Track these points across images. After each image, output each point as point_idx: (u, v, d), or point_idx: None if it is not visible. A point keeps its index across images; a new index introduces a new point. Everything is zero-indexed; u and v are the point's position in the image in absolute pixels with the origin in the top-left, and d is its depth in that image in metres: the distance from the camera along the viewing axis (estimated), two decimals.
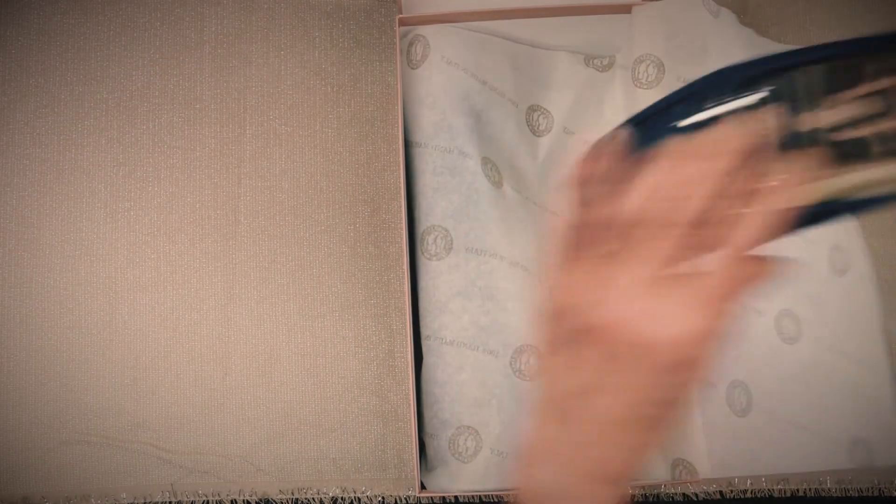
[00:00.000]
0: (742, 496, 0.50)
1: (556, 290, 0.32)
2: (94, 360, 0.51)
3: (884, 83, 0.28)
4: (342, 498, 0.50)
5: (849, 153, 0.28)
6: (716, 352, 0.31)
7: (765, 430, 0.46)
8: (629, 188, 0.29)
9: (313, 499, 0.50)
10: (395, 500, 0.50)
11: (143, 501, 0.50)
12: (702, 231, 0.28)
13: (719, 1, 0.49)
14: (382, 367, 0.51)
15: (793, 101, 0.28)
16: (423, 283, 0.46)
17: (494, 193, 0.47)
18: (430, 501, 0.50)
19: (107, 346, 0.51)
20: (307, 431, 0.51)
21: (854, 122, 0.28)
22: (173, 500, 0.50)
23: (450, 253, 0.45)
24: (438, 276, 0.46)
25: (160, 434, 0.51)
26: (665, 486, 0.49)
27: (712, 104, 0.30)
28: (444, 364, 0.45)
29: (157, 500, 0.50)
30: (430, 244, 0.46)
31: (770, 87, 0.29)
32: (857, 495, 0.50)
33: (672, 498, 0.50)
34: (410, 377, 0.44)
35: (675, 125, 0.30)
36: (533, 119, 0.51)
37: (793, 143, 0.28)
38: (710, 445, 0.43)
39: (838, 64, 0.28)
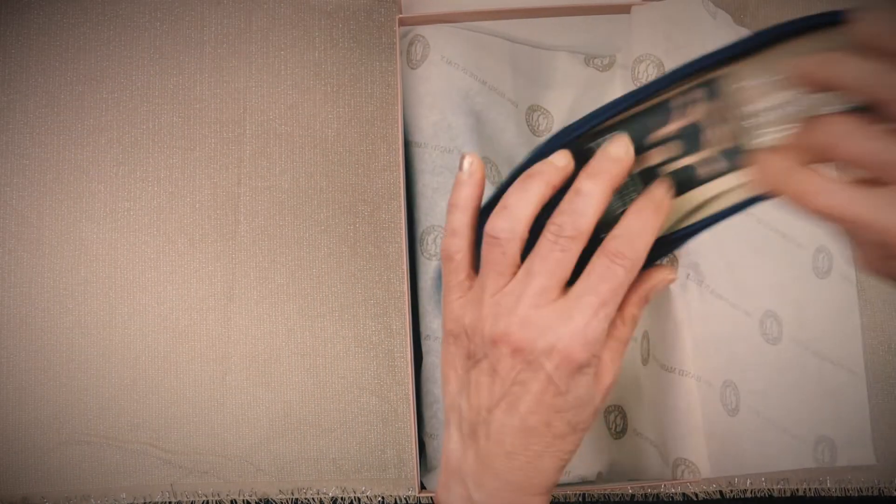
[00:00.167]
0: (742, 496, 0.50)
1: (458, 308, 0.33)
2: (94, 360, 0.51)
3: (691, 116, 0.32)
4: (342, 498, 0.50)
5: (681, 181, 0.32)
6: (614, 356, 0.33)
7: (751, 430, 0.46)
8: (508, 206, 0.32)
9: (313, 499, 0.50)
10: (395, 500, 0.50)
11: (142, 501, 0.50)
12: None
13: (718, 2, 0.49)
14: (382, 367, 0.51)
15: (637, 139, 0.32)
16: (423, 283, 0.46)
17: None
18: (430, 501, 0.50)
19: (107, 346, 0.51)
20: (307, 431, 0.51)
21: (676, 156, 0.32)
22: (173, 500, 0.50)
23: None
24: (438, 276, 0.46)
25: (160, 434, 0.51)
26: (665, 485, 0.49)
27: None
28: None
29: (156, 500, 0.50)
30: (430, 244, 0.46)
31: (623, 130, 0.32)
32: (857, 495, 0.50)
33: (672, 498, 0.50)
34: (410, 377, 0.44)
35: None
36: (533, 119, 0.51)
37: (644, 177, 0.32)
38: (708, 445, 0.43)
39: (651, 105, 0.32)
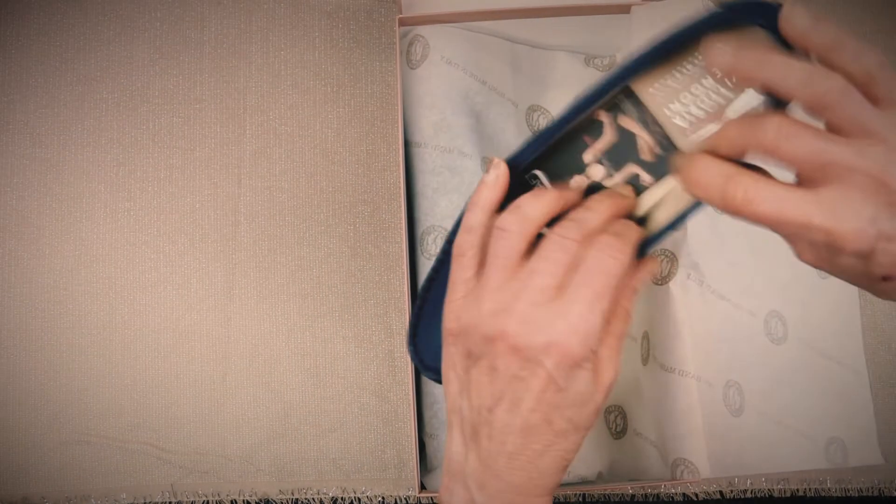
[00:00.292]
0: (742, 496, 0.50)
1: (459, 306, 0.33)
2: (94, 360, 0.51)
3: (622, 125, 0.33)
4: (342, 498, 0.50)
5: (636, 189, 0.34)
6: (612, 352, 0.32)
7: (756, 430, 0.46)
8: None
9: (313, 499, 0.50)
10: (395, 500, 0.50)
11: (143, 501, 0.50)
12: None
13: (718, 2, 0.49)
14: (382, 367, 0.51)
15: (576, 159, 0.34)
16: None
17: None
18: (430, 501, 0.50)
19: (107, 346, 0.51)
20: (307, 432, 0.51)
21: (614, 170, 0.34)
22: (173, 500, 0.50)
23: None
24: None
25: (160, 434, 0.51)
26: (665, 485, 0.49)
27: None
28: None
29: (156, 500, 0.50)
30: (429, 244, 0.46)
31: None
32: (857, 495, 0.50)
33: (672, 498, 0.50)
34: (410, 377, 0.44)
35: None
36: (533, 119, 0.51)
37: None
38: (708, 445, 0.43)
39: (582, 122, 0.34)
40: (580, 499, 0.51)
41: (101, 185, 0.53)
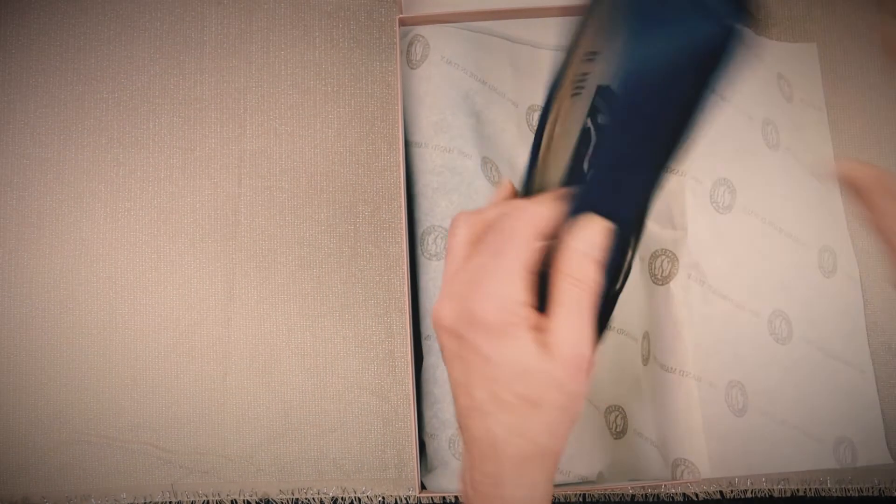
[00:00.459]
0: (742, 496, 0.50)
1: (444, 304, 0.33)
2: (94, 360, 0.51)
3: None
4: (342, 498, 0.50)
5: None
6: (565, 322, 0.31)
7: (760, 430, 0.46)
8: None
9: (313, 499, 0.50)
10: (396, 500, 0.50)
11: (143, 501, 0.50)
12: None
13: None
14: (382, 367, 0.51)
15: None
16: (424, 283, 0.46)
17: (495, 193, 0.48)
18: (431, 501, 0.50)
19: (107, 346, 0.51)
20: (307, 431, 0.51)
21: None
22: (173, 500, 0.50)
23: None
24: (438, 276, 0.46)
25: (160, 434, 0.51)
26: (665, 485, 0.49)
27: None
28: (443, 364, 0.45)
29: (157, 500, 0.50)
30: (430, 244, 0.46)
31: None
32: (857, 495, 0.50)
33: (672, 498, 0.50)
34: (410, 377, 0.44)
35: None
36: (533, 119, 0.51)
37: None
38: (710, 445, 0.43)
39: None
40: (580, 499, 0.51)
41: (101, 185, 0.53)
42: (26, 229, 0.52)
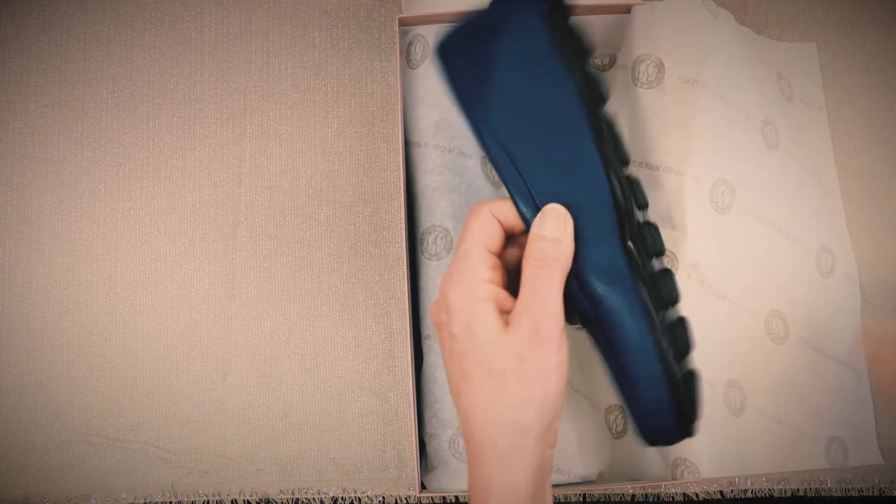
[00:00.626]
0: (742, 496, 0.50)
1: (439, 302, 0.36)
2: (94, 360, 0.51)
3: None
4: (342, 498, 0.50)
5: None
6: (521, 303, 0.34)
7: (757, 430, 0.46)
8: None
9: (314, 499, 0.50)
10: (396, 500, 0.50)
11: (143, 501, 0.50)
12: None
13: (719, 2, 0.49)
14: (382, 367, 0.51)
15: None
16: (424, 282, 0.46)
17: (494, 193, 0.48)
18: (431, 501, 0.50)
19: (107, 346, 0.51)
20: (307, 431, 0.51)
21: None
22: (173, 500, 0.50)
23: (450, 253, 0.46)
24: (438, 276, 0.46)
25: (160, 434, 0.51)
26: (665, 486, 0.49)
27: None
28: (444, 364, 0.45)
29: (157, 500, 0.50)
30: (430, 244, 0.46)
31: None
32: (857, 495, 0.50)
33: (672, 498, 0.50)
34: (411, 377, 0.44)
35: None
36: None
37: None
38: (709, 445, 0.43)
39: None
40: (580, 499, 0.51)
41: (101, 185, 0.53)
42: (26, 229, 0.52)
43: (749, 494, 0.50)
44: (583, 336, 0.39)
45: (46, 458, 0.50)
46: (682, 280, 0.43)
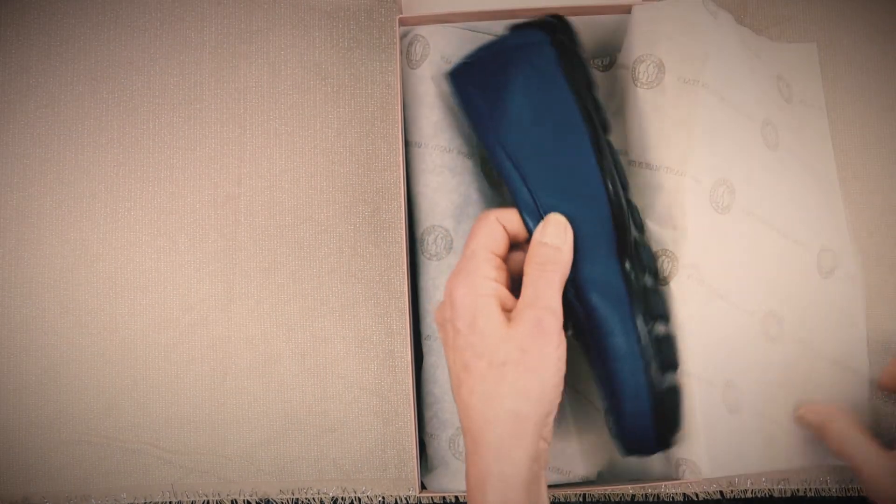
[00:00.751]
0: (742, 496, 0.50)
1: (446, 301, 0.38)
2: (94, 360, 0.51)
3: None
4: (342, 498, 0.50)
5: None
6: (521, 303, 0.37)
7: (753, 429, 0.46)
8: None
9: (313, 499, 0.50)
10: (396, 499, 0.50)
11: (143, 501, 0.50)
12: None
13: (719, 2, 0.49)
14: (382, 367, 0.51)
15: None
16: (423, 283, 0.46)
17: (493, 193, 0.48)
18: (431, 501, 0.50)
19: (107, 346, 0.51)
20: (307, 431, 0.51)
21: None
22: (174, 499, 0.50)
23: (450, 253, 0.45)
24: (438, 276, 0.46)
25: (160, 434, 0.51)
26: (665, 486, 0.49)
27: None
28: (444, 364, 0.45)
29: (157, 500, 0.50)
30: (430, 244, 0.46)
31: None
32: (857, 495, 0.50)
33: (672, 498, 0.50)
34: (411, 377, 0.44)
35: None
36: None
37: None
38: (708, 445, 0.43)
39: None
40: (580, 499, 0.51)
41: (101, 185, 0.53)
42: (26, 229, 0.52)
43: (749, 494, 0.50)
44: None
45: (46, 458, 0.50)
46: (683, 280, 0.43)
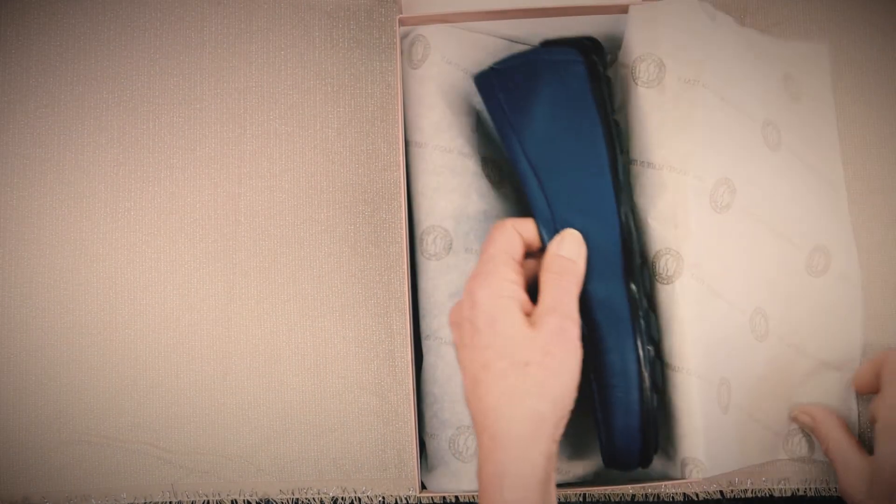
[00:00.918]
0: (742, 496, 0.50)
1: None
2: (94, 360, 0.51)
3: None
4: (342, 498, 0.50)
5: None
6: (540, 308, 0.38)
7: (738, 427, 0.46)
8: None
9: (313, 499, 0.50)
10: (396, 500, 0.50)
11: (143, 501, 0.50)
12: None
13: (720, 3, 0.49)
14: (382, 367, 0.51)
15: None
16: (423, 283, 0.46)
17: (494, 193, 0.48)
18: (431, 501, 0.50)
19: (107, 346, 0.51)
20: (307, 431, 0.51)
21: None
22: (174, 499, 0.50)
23: (449, 253, 0.46)
24: (438, 276, 0.46)
25: (160, 434, 0.51)
26: (665, 486, 0.49)
27: None
28: (444, 364, 0.45)
29: (157, 500, 0.50)
30: (429, 244, 0.46)
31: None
32: None
33: (672, 498, 0.50)
34: (411, 377, 0.44)
35: None
36: None
37: None
38: (707, 444, 0.43)
39: None
40: (580, 499, 0.51)
41: (101, 185, 0.53)
42: (26, 229, 0.52)
43: (749, 494, 0.50)
44: None
45: (46, 458, 0.50)
46: (686, 279, 0.43)
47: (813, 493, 0.50)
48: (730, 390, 0.45)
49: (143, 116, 0.53)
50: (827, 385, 0.50)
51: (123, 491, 0.50)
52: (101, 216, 0.52)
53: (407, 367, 0.50)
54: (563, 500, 0.50)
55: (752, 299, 0.47)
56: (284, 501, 0.50)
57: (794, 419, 0.48)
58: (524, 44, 0.51)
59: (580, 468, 0.46)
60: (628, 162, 0.45)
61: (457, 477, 0.45)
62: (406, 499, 0.50)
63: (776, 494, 0.50)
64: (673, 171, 0.43)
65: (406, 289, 0.45)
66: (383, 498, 0.50)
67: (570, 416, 0.38)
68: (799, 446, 0.49)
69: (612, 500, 0.51)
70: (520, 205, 0.49)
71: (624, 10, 0.47)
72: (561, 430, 0.37)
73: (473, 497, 0.50)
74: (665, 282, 0.43)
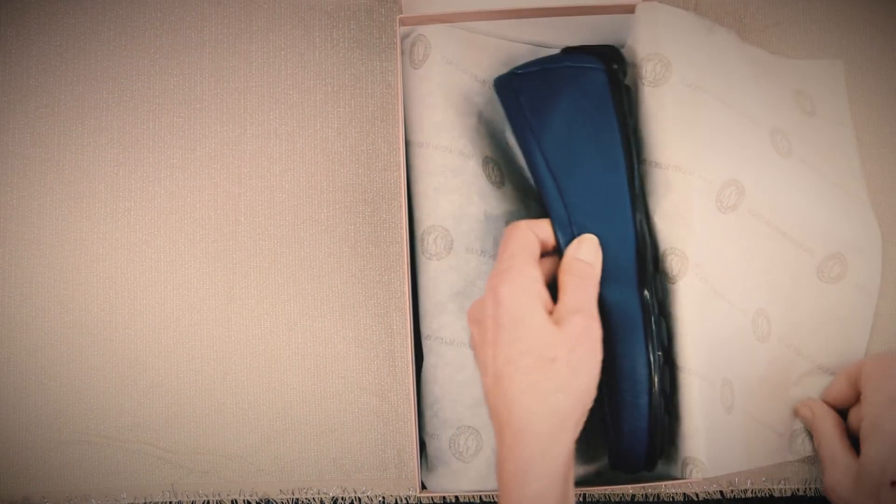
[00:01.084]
0: (742, 496, 0.50)
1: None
2: (94, 360, 0.51)
3: None
4: (342, 498, 0.50)
5: None
6: (560, 306, 0.39)
7: (742, 428, 0.46)
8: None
9: (314, 499, 0.50)
10: (396, 500, 0.50)
11: (143, 501, 0.50)
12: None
13: (719, 8, 0.49)
14: (383, 367, 0.51)
15: None
16: (424, 282, 0.46)
17: (495, 194, 0.47)
18: (431, 501, 0.50)
19: (107, 346, 0.51)
20: (307, 431, 0.51)
21: None
22: (174, 499, 0.50)
23: (450, 253, 0.45)
24: (439, 276, 0.46)
25: (160, 434, 0.51)
26: (665, 486, 0.49)
27: None
28: (444, 364, 0.45)
29: (157, 500, 0.50)
30: (430, 244, 0.46)
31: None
32: None
33: (672, 498, 0.50)
34: (411, 377, 0.44)
35: None
36: None
37: None
38: (708, 444, 0.43)
39: None
40: (580, 499, 0.51)
41: (101, 185, 0.53)
42: (26, 229, 0.52)
43: (749, 494, 0.50)
44: None
45: (46, 458, 0.50)
46: (691, 279, 0.43)
47: (813, 493, 0.50)
48: (733, 391, 0.45)
49: (143, 116, 0.53)
50: (818, 388, 0.50)
51: (123, 491, 0.50)
52: (101, 216, 0.52)
53: (407, 367, 0.50)
54: None
55: (755, 300, 0.47)
56: (284, 501, 0.50)
57: (795, 412, 0.48)
58: (526, 43, 0.51)
59: (580, 468, 0.46)
60: (638, 161, 0.46)
61: (457, 477, 0.45)
62: (406, 499, 0.50)
63: (776, 494, 0.50)
64: (679, 171, 0.43)
65: (406, 289, 0.45)
66: (383, 498, 0.50)
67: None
68: (803, 447, 0.49)
69: (612, 499, 0.51)
70: (520, 205, 0.49)
71: (629, 10, 0.47)
72: (580, 427, 0.38)
73: (474, 497, 0.50)
74: (670, 282, 0.43)
